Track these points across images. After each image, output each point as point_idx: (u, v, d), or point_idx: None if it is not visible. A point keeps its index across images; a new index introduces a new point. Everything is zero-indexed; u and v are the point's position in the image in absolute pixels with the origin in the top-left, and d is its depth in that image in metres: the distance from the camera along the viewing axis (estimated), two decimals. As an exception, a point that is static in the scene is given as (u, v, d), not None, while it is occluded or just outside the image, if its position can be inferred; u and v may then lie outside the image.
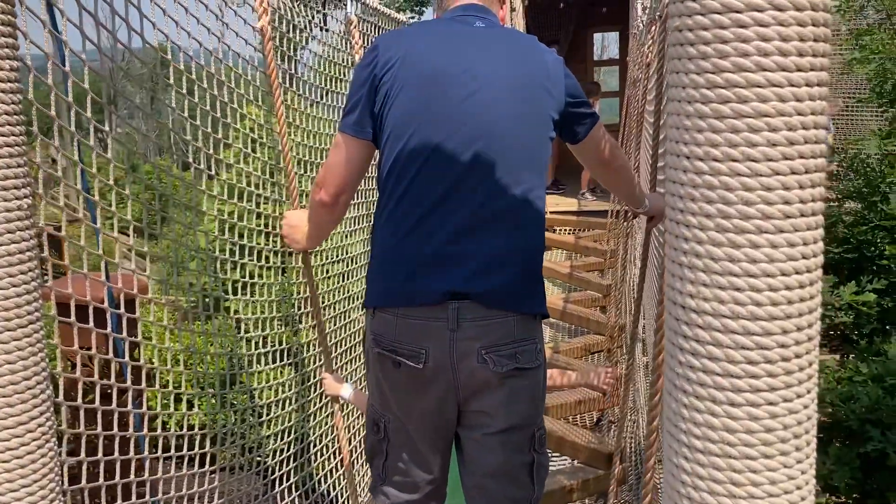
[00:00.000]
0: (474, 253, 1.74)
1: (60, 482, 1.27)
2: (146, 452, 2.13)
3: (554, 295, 7.22)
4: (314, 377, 3.25)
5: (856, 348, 4.83)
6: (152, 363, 2.55)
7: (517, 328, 1.75)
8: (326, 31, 2.90)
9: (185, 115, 2.26)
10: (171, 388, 2.50)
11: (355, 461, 3.29)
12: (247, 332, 3.09)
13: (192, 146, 2.37)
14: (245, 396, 3.20)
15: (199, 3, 2.11)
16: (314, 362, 3.31)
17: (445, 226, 1.75)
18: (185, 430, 2.59)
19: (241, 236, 3.01)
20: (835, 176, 5.04)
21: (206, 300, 2.94)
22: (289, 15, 2.51)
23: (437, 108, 1.75)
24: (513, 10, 9.01)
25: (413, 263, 1.76)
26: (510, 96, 1.77)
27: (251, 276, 3.18)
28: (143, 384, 2.15)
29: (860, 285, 4.43)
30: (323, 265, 3.69)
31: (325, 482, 3.24)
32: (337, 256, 3.87)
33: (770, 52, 0.89)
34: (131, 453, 2.21)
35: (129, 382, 2.04)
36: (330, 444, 3.27)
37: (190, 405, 4.07)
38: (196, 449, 2.63)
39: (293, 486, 3.01)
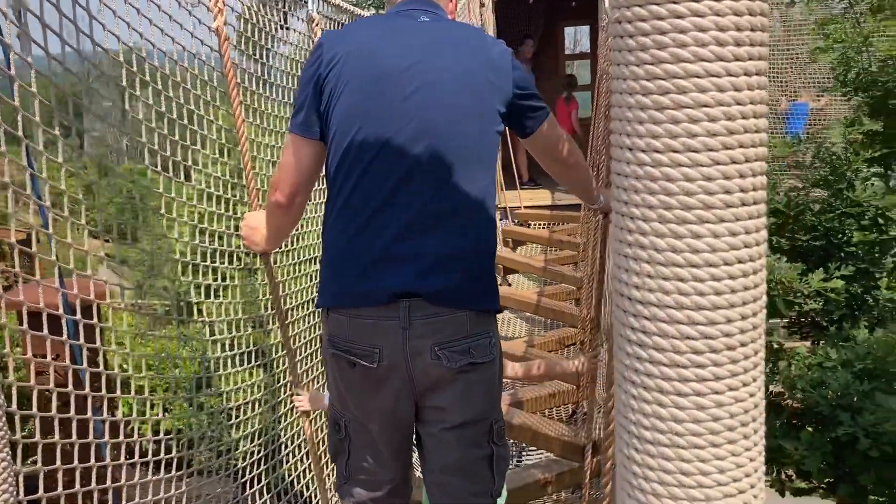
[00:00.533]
0: (424, 251, 1.73)
1: (15, 493, 1.24)
2: (108, 459, 2.10)
3: (528, 289, 7.23)
4: (284, 378, 3.23)
5: (826, 335, 4.89)
6: (112, 368, 2.53)
7: (469, 324, 1.75)
8: (287, 29, 2.88)
9: (140, 117, 2.23)
10: (133, 393, 2.47)
11: (326, 464, 3.27)
12: (212, 335, 3.07)
13: (149, 149, 2.35)
14: (217, 399, 3.18)
15: (151, 3, 2.08)
16: (284, 363, 3.29)
17: (394, 224, 1.74)
18: (150, 434, 2.57)
19: (205, 237, 2.99)
20: (803, 164, 5.08)
21: (179, 304, 2.93)
22: (247, 14, 2.48)
23: (382, 105, 1.73)
24: (482, 4, 9.00)
25: (363, 263, 1.75)
26: (455, 91, 1.75)
27: (221, 279, 3.16)
28: (104, 391, 2.12)
29: (828, 272, 4.47)
30: (294, 264, 3.67)
31: (299, 483, 3.23)
32: (308, 255, 3.85)
33: (707, 42, 0.89)
34: (92, 461, 2.18)
35: (87, 389, 2.02)
36: (302, 445, 3.25)
37: (164, 410, 4.04)
38: (163, 454, 2.61)
39: (265, 487, 3.00)
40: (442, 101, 1.75)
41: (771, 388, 4.85)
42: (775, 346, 4.98)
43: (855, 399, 3.97)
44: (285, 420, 3.24)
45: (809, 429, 4.35)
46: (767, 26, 0.93)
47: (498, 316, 1.90)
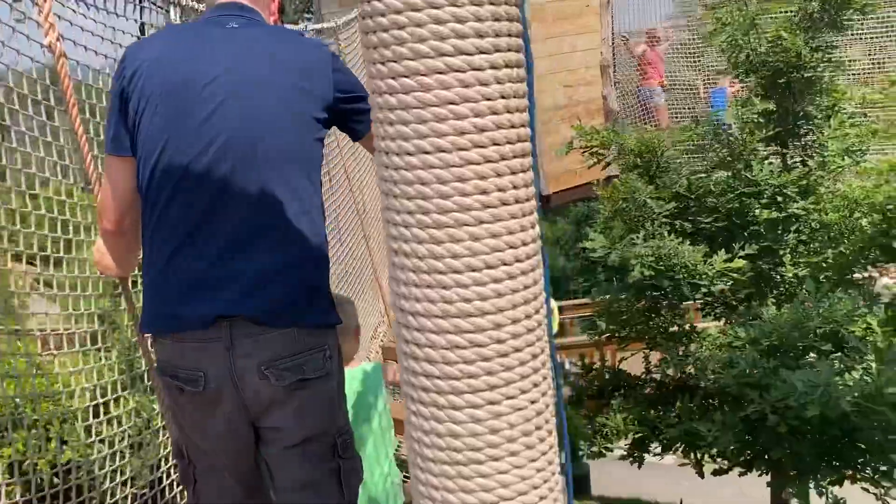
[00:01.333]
0: (242, 272, 1.65)
1: None
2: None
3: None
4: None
5: (735, 314, 4.96)
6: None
7: (299, 341, 1.68)
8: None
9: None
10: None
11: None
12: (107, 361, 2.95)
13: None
14: (108, 428, 3.06)
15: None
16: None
17: (209, 246, 1.66)
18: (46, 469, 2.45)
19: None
20: (702, 147, 5.14)
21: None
22: (89, 25, 2.36)
23: (186, 123, 1.64)
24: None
25: (181, 287, 1.67)
26: (265, 101, 1.67)
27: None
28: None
29: (732, 252, 4.53)
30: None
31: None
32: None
33: (446, 35, 0.84)
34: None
35: None
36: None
37: (62, 442, 3.88)
38: (46, 490, 2.49)
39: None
40: (251, 114, 1.66)
41: (689, 369, 4.91)
42: (687, 328, 5.04)
43: (762, 377, 4.02)
44: (165, 448, 3.13)
45: (719, 411, 4.40)
46: (517, 16, 0.88)
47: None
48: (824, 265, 4.78)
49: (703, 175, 4.91)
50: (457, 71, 0.84)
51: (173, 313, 1.68)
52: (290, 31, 1.92)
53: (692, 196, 4.67)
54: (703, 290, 4.46)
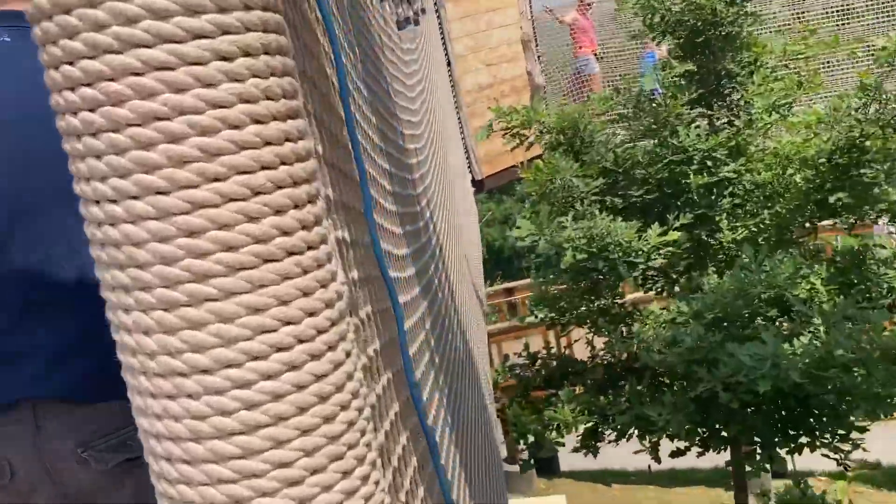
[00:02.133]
0: (41, 344, 1.35)
1: None
2: None
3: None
4: None
5: (677, 287, 4.77)
6: None
7: (122, 414, 1.38)
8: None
9: None
10: None
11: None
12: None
13: None
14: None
15: None
16: None
17: None
18: None
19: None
20: (626, 117, 4.90)
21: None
22: None
23: None
24: None
25: None
26: (40, 133, 1.34)
27: None
28: None
29: (666, 224, 4.31)
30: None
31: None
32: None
33: (137, 15, 0.54)
34: None
35: None
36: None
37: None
38: None
39: None
40: (23, 152, 1.33)
41: (634, 350, 4.69)
42: (629, 307, 4.84)
43: (709, 352, 3.82)
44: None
45: (670, 391, 4.19)
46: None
47: None
48: (762, 226, 4.60)
49: (629, 146, 4.67)
50: (161, 69, 0.55)
51: None
52: None
53: (620, 169, 4.44)
54: (641, 266, 4.24)
